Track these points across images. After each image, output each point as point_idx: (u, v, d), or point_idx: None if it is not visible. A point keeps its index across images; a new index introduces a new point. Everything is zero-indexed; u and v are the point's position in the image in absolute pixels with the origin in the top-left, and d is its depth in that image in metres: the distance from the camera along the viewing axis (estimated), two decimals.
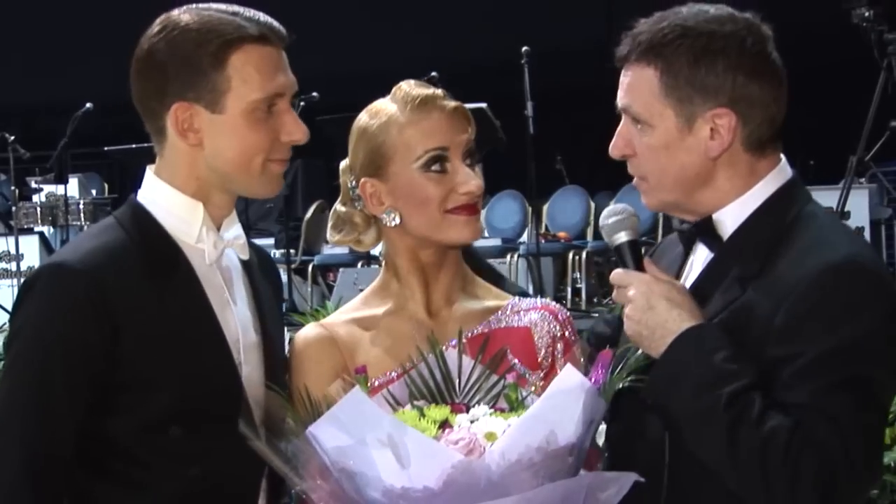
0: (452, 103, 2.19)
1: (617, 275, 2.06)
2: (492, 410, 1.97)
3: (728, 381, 1.92)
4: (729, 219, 2.08)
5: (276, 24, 2.11)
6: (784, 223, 2.05)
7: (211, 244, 2.13)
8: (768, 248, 2.03)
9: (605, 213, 2.12)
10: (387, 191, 2.19)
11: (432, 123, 2.16)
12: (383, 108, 2.20)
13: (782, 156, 2.12)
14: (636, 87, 2.07)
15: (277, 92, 2.09)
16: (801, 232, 2.03)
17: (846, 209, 6.78)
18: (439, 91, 2.20)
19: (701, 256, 2.13)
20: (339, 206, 2.29)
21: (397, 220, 2.19)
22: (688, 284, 2.10)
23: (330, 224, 2.31)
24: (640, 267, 2.06)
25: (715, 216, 2.09)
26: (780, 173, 2.10)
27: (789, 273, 1.97)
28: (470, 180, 2.16)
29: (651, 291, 2.00)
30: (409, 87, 2.20)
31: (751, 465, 1.89)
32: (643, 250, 2.12)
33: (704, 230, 2.11)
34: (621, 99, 2.10)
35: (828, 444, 1.87)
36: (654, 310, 1.99)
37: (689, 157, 2.05)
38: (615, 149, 2.11)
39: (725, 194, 2.08)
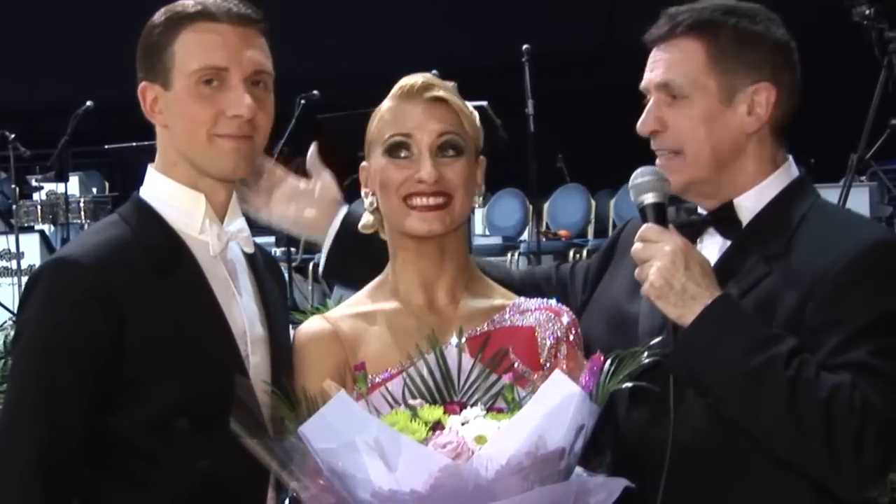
0: (434, 94, 2.19)
1: (652, 230, 2.06)
2: (485, 412, 1.96)
3: (780, 340, 1.96)
4: (750, 204, 2.14)
5: (238, 6, 2.15)
6: (801, 211, 2.11)
7: (214, 236, 2.15)
8: (790, 230, 2.09)
9: (637, 172, 2.13)
10: (371, 176, 2.24)
11: (406, 111, 2.19)
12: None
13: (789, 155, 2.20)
14: (680, 60, 2.12)
15: (214, 64, 2.11)
16: (820, 219, 2.10)
17: (847, 207, 6.77)
18: (430, 83, 2.20)
19: (712, 247, 2.16)
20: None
21: (374, 204, 2.24)
22: None
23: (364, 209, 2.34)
24: None
25: (736, 201, 2.14)
26: (791, 168, 2.19)
27: (821, 252, 2.02)
28: (425, 171, 2.16)
29: (689, 252, 2.03)
30: (406, 78, 2.23)
31: (813, 421, 1.92)
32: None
33: (722, 217, 2.14)
34: (659, 75, 2.13)
35: (885, 402, 1.93)
36: (690, 270, 2.00)
37: (728, 131, 2.12)
38: (644, 126, 2.15)
39: (750, 177, 2.14)
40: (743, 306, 2.02)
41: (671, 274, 2.00)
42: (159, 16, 2.14)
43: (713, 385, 1.99)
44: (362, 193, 2.29)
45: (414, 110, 2.19)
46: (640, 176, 2.12)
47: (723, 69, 2.10)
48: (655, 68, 2.14)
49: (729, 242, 2.15)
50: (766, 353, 1.95)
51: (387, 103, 2.23)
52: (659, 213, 2.09)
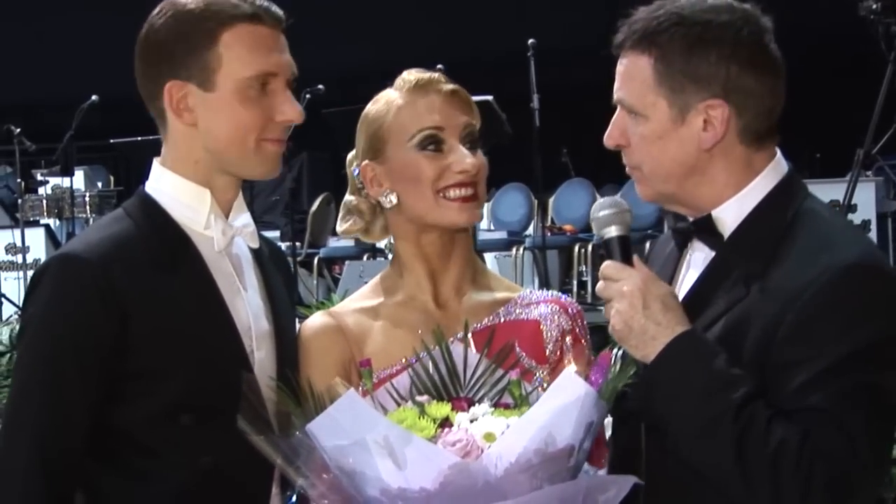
0: (451, 86, 2.20)
1: (611, 267, 2.01)
2: (493, 409, 1.96)
3: (734, 387, 1.89)
4: (729, 216, 2.05)
5: (272, 6, 2.13)
6: (785, 220, 2.02)
7: (219, 231, 2.14)
8: (771, 246, 2.00)
9: (597, 204, 2.09)
10: (385, 172, 2.21)
11: (428, 104, 2.18)
12: (385, 95, 2.24)
13: (777, 149, 2.09)
14: (630, 76, 2.05)
15: (268, 70, 2.10)
16: (804, 229, 2.00)
17: (853, 202, 6.77)
18: (440, 76, 2.21)
19: (700, 256, 2.10)
20: (347, 197, 2.31)
21: (394, 201, 2.20)
22: (687, 283, 2.07)
23: (340, 215, 2.32)
24: (628, 264, 2.02)
25: (714, 213, 2.05)
26: (777, 167, 2.07)
27: (797, 274, 1.94)
28: (465, 159, 2.16)
29: (648, 290, 1.96)
30: (408, 74, 2.23)
31: (760, 476, 1.86)
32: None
33: (704, 228, 2.07)
34: (616, 90, 2.07)
35: (839, 451, 1.85)
36: (649, 309, 1.95)
37: (683, 148, 2.03)
38: (609, 139, 2.09)
39: (723, 188, 2.05)
40: (704, 342, 1.95)
41: (630, 316, 1.95)
42: (190, 13, 2.09)
43: (668, 428, 1.95)
44: (368, 191, 2.25)
45: (434, 104, 2.18)
46: (599, 209, 2.07)
47: (670, 87, 2.01)
48: (616, 81, 2.08)
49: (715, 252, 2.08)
50: (718, 402, 1.88)
51: (398, 99, 2.20)
52: (622, 246, 2.03)
